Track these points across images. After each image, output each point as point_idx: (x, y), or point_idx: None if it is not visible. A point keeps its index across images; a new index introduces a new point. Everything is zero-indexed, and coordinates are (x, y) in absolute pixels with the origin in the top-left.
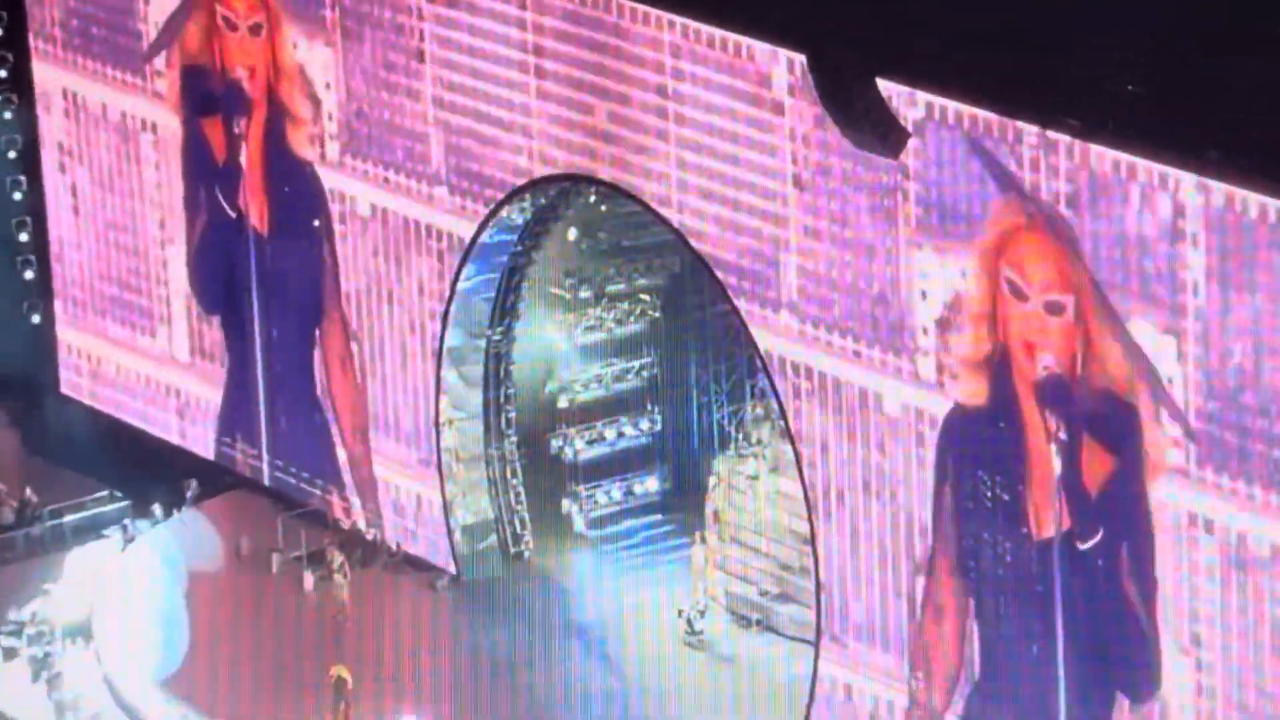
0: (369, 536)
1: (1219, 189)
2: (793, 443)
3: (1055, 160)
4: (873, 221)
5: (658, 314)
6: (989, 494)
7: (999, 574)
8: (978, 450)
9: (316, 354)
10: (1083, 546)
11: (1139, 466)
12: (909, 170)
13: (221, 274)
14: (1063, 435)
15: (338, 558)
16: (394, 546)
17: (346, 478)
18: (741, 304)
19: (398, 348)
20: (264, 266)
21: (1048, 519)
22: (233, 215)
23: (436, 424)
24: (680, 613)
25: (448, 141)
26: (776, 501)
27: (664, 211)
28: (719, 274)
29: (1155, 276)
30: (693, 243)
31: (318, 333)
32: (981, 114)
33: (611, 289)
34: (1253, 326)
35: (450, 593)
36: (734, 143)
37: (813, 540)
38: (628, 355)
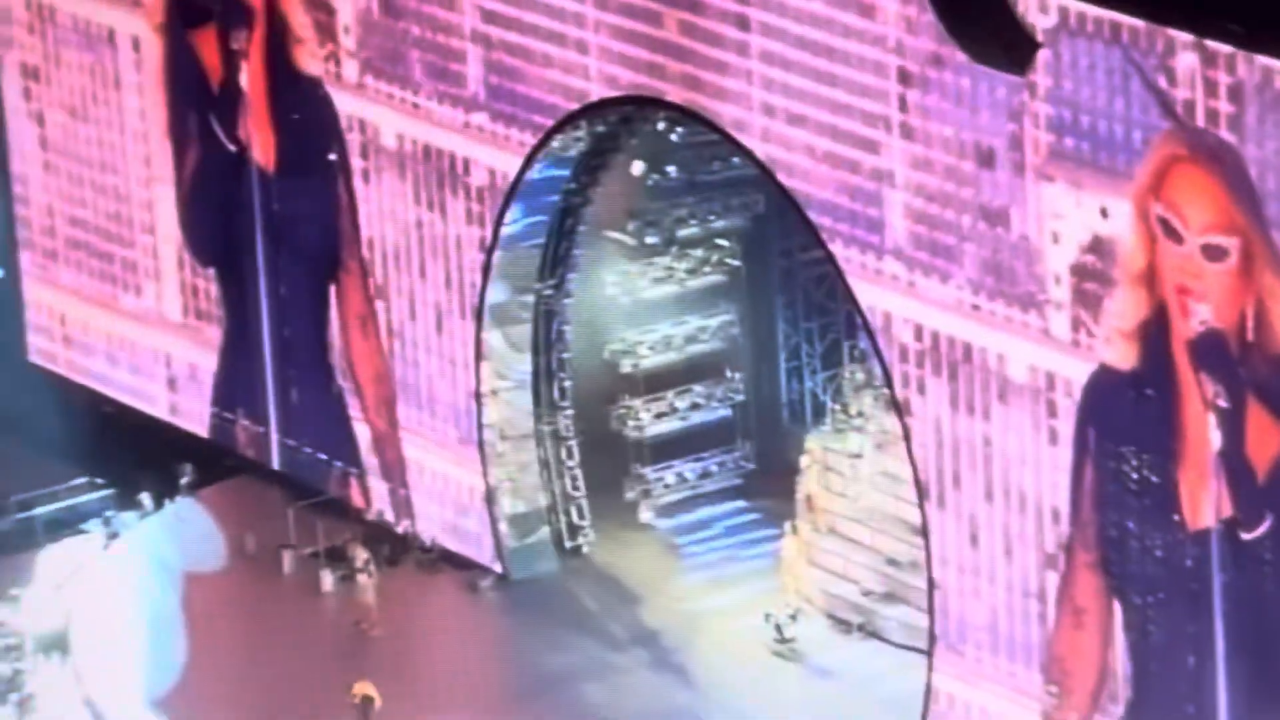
0: (399, 529)
1: None
2: (900, 415)
3: (1214, 75)
4: (995, 150)
5: (738, 263)
6: (1135, 475)
7: (1148, 571)
8: (1123, 422)
9: (333, 313)
10: (1247, 536)
11: None
12: (1038, 89)
13: (219, 219)
14: (1222, 402)
15: (362, 555)
16: (428, 541)
17: (370, 460)
18: (838, 250)
19: (430, 305)
20: (270, 210)
21: (1204, 505)
22: (232, 149)
23: (477, 395)
24: (768, 617)
25: (488, 58)
26: (881, 485)
27: (745, 140)
28: (811, 215)
29: None
30: (780, 177)
31: (334, 288)
32: (1125, 20)
33: (683, 233)
34: None
35: (495, 595)
36: (828, 57)
37: (924, 531)
38: (703, 312)
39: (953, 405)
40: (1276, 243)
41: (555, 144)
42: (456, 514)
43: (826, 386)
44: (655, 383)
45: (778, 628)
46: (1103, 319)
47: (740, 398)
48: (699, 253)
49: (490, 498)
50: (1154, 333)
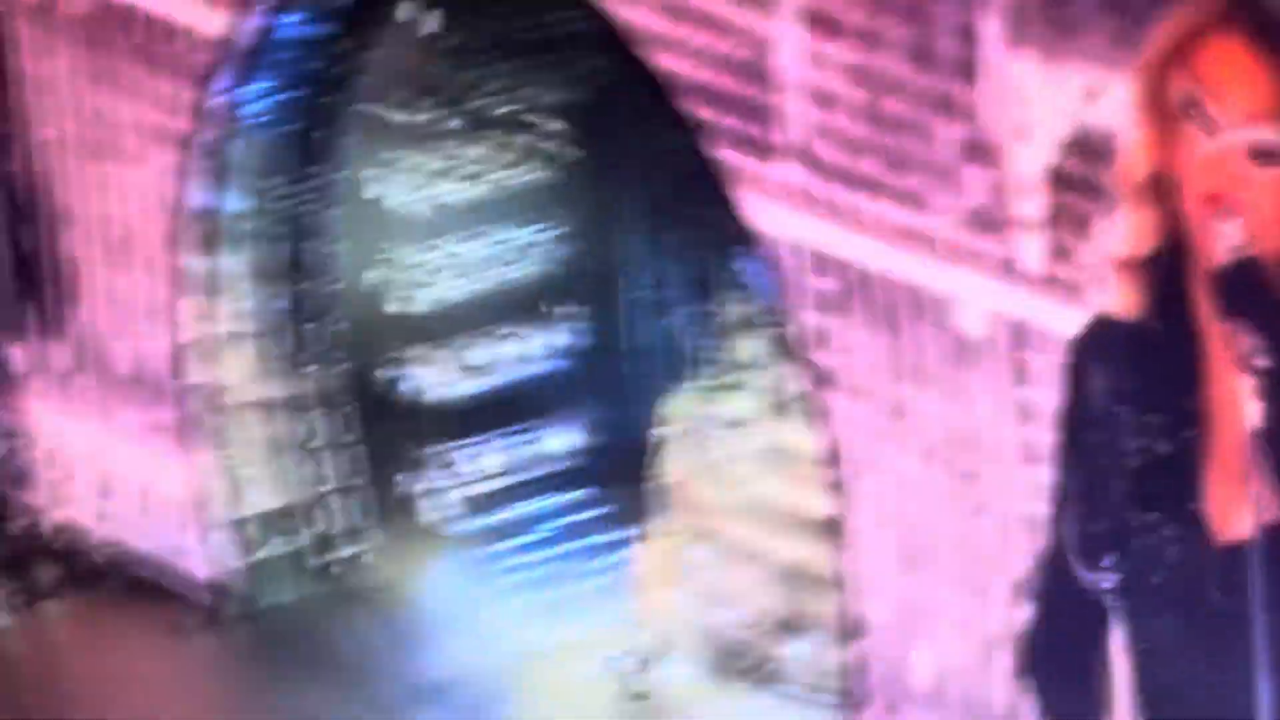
0: (93, 540)
1: None
2: (807, 378)
3: None
4: (936, 12)
5: (575, 153)
6: (1142, 467)
7: (1161, 589)
8: (1125, 392)
9: None
10: None
11: None
12: None
13: None
14: (1260, 361)
15: (49, 573)
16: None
17: (44, 441)
18: (719, 148)
19: (120, 222)
20: None
21: (1236, 504)
22: None
23: (189, 346)
24: (614, 660)
25: None
26: (778, 463)
27: None
28: (683, 100)
29: None
30: (638, 46)
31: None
32: None
33: (496, 114)
34: None
35: (222, 632)
36: None
37: (840, 539)
38: (519, 223)
39: (876, 366)
40: None
41: None
42: (162, 516)
43: (697, 325)
44: (452, 324)
45: (627, 674)
46: (1091, 247)
47: (571, 343)
48: (519, 140)
49: (208, 498)
50: (1167, 267)
